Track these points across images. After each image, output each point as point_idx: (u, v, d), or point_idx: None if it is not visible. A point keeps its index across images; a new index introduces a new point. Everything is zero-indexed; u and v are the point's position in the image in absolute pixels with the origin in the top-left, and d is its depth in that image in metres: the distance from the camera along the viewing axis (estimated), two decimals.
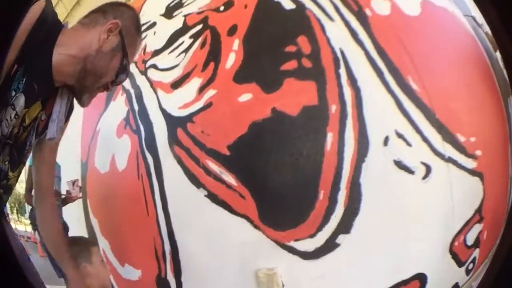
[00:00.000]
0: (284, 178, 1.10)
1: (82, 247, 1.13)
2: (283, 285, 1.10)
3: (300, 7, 1.25)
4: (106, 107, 1.66)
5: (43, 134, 0.91)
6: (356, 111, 1.10)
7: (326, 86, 1.11)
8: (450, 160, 1.09)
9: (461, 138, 1.11)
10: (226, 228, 1.16)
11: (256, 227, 1.11)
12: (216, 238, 1.18)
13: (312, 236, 1.06)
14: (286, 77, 1.16)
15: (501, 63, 1.26)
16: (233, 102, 1.21)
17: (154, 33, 1.61)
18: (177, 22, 1.54)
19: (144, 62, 1.57)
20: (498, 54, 1.27)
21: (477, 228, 1.16)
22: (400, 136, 1.08)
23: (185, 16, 1.52)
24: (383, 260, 1.10)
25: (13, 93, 0.78)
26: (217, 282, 1.21)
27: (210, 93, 1.28)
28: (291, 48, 1.20)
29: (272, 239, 1.10)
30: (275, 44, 1.22)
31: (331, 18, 1.18)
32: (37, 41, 0.77)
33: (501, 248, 0.69)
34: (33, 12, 0.75)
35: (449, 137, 1.10)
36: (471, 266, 1.20)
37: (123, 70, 0.94)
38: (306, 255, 1.09)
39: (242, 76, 1.22)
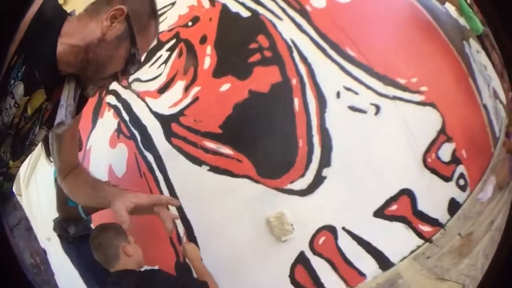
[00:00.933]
0: (269, 139, 1.51)
1: (118, 230, 1.34)
2: (291, 225, 1.43)
3: (255, 14, 1.89)
4: (93, 125, 1.95)
5: (51, 123, 0.94)
6: (312, 79, 1.71)
7: (285, 67, 1.65)
8: (395, 98, 1.69)
9: (401, 81, 1.71)
10: (232, 190, 1.54)
11: (257, 182, 1.55)
12: (226, 202, 1.56)
13: (302, 175, 1.56)
14: (254, 66, 1.66)
15: (452, 13, 1.88)
16: (216, 92, 1.65)
17: None
18: None
19: (127, 78, 1.87)
20: (447, 5, 1.90)
21: (448, 146, 1.68)
22: (348, 89, 1.68)
23: (157, 34, 1.88)
24: (366, 182, 1.61)
25: (12, 81, 0.82)
26: (235, 242, 1.51)
27: (195, 90, 1.70)
28: (254, 45, 1.70)
29: (272, 187, 1.51)
30: (240, 44, 1.75)
31: (280, 18, 1.75)
32: (37, 30, 0.80)
33: (501, 248, 0.72)
34: (35, 4, 0.79)
35: (389, 82, 1.69)
36: (462, 182, 1.68)
37: (132, 60, 0.92)
38: (302, 192, 1.61)
39: (219, 72, 1.70)
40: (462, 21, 2.15)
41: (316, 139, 1.59)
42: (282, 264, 1.62)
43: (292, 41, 1.74)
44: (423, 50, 1.81)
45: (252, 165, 1.60)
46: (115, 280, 1.31)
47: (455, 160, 1.67)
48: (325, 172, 1.58)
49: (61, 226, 1.71)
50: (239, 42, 1.80)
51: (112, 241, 1.36)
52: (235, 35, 1.84)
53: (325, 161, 1.58)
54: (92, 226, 1.75)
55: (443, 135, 1.67)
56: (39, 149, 1.20)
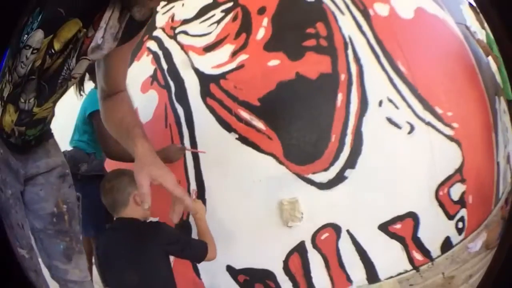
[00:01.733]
0: (304, 124, 1.55)
1: (132, 176, 1.33)
2: (302, 213, 1.50)
3: (319, 1, 1.77)
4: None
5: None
6: (359, 80, 1.74)
7: (337, 60, 1.69)
8: (429, 124, 1.74)
9: (439, 110, 1.77)
10: (254, 165, 1.60)
11: (281, 162, 1.58)
12: (244, 174, 1.62)
13: (326, 169, 1.58)
14: (307, 50, 1.70)
15: (492, 67, 1.99)
16: (264, 65, 1.68)
17: (183, 5, 1.97)
18: None
19: (173, 28, 1.95)
20: (490, 59, 2.01)
21: (460, 187, 1.76)
22: (390, 101, 1.73)
23: None
24: (381, 195, 1.66)
25: (25, 37, 0.79)
26: (242, 214, 1.56)
27: (242, 57, 1.73)
28: (311, 30, 1.73)
29: (294, 172, 1.58)
30: (298, 26, 1.79)
31: (342, 12, 1.79)
32: None
33: (501, 248, 0.75)
34: None
35: (428, 108, 1.75)
36: (460, 224, 1.77)
37: None
38: (321, 186, 1.65)
39: (271, 46, 1.73)
40: (498, 78, 2.24)
41: (348, 139, 1.63)
42: (280, 248, 1.67)
43: (350, 38, 1.76)
44: (463, 89, 1.87)
45: (280, 145, 1.63)
46: (118, 226, 1.33)
47: (462, 202, 1.74)
48: (347, 173, 1.62)
49: (73, 161, 1.68)
50: (297, 23, 1.81)
51: (125, 187, 1.34)
52: (294, 15, 1.84)
53: (351, 163, 1.62)
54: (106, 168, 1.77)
55: (459, 174, 1.74)
56: None
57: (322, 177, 1.62)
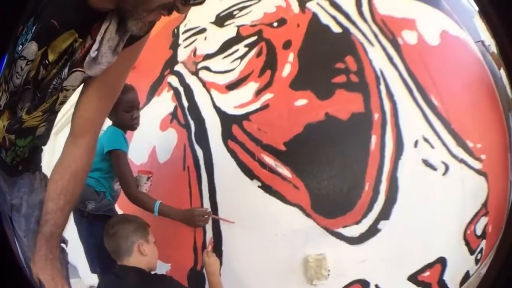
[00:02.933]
0: (335, 172, 1.45)
1: (138, 224, 1.37)
2: (328, 270, 1.38)
3: (346, 32, 1.79)
4: (147, 101, 1.95)
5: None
6: (394, 119, 1.60)
7: (370, 98, 1.57)
8: (462, 161, 1.60)
9: (470, 144, 1.63)
10: (278, 217, 1.49)
11: (308, 215, 1.47)
12: (266, 226, 1.51)
13: (357, 222, 1.45)
14: (337, 88, 1.59)
15: (504, 80, 1.81)
16: (290, 105, 1.59)
17: (205, 38, 1.96)
18: (229, 31, 1.93)
19: (195, 63, 1.91)
20: (502, 72, 1.82)
21: (484, 220, 1.63)
22: (426, 140, 1.58)
23: (238, 26, 1.89)
24: (413, 244, 1.52)
25: (20, 47, 0.79)
26: (262, 269, 1.47)
27: (267, 96, 1.65)
28: (340, 65, 1.63)
29: (322, 226, 1.46)
30: (326, 60, 1.68)
31: (371, 43, 1.68)
32: None
33: (501, 247, 0.77)
34: None
35: (461, 143, 1.61)
36: (479, 256, 1.64)
37: None
38: (351, 241, 1.50)
39: (298, 84, 1.64)
40: (509, 90, 2.07)
41: (383, 187, 1.49)
42: None
43: (381, 72, 1.65)
44: (487, 116, 1.74)
45: (308, 196, 1.51)
46: (120, 273, 1.26)
47: (484, 235, 1.62)
48: (381, 224, 1.48)
49: (80, 197, 1.70)
50: (325, 58, 1.71)
51: (129, 235, 1.31)
52: (322, 49, 1.75)
53: (385, 214, 1.48)
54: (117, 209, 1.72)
55: (484, 208, 1.61)
56: None
57: (353, 231, 1.48)
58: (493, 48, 1.88)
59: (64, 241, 1.05)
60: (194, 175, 1.74)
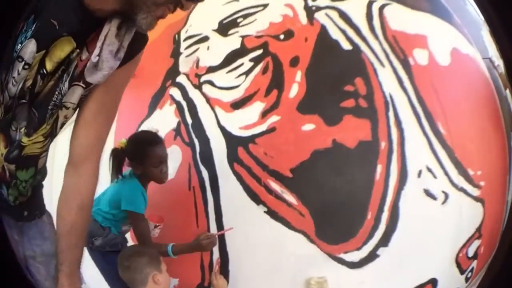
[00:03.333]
0: (340, 200, 1.50)
1: (151, 257, 1.42)
2: None
3: (356, 49, 1.73)
4: (149, 114, 1.91)
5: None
6: (400, 148, 1.62)
7: (378, 125, 1.59)
8: (461, 189, 1.64)
9: (471, 172, 1.66)
10: (283, 241, 1.54)
11: (312, 241, 1.55)
12: (272, 251, 1.55)
13: (358, 249, 1.56)
14: (345, 113, 1.59)
15: (509, 99, 1.84)
16: (297, 130, 1.59)
17: (208, 48, 1.89)
18: (234, 41, 1.86)
19: (198, 76, 1.86)
20: (507, 92, 1.85)
21: (476, 243, 1.71)
22: (429, 170, 1.61)
23: (242, 37, 1.82)
24: (409, 268, 1.61)
25: (19, 46, 0.75)
26: None
27: (273, 118, 1.65)
28: (349, 88, 1.62)
29: (325, 251, 1.53)
30: (335, 82, 1.67)
31: (382, 64, 1.66)
32: None
33: (501, 248, 0.86)
34: None
35: (462, 171, 1.64)
36: (470, 274, 1.74)
37: None
38: (352, 265, 1.59)
39: (305, 107, 1.63)
40: None
41: (385, 216, 1.55)
42: None
43: (391, 97, 1.63)
44: (491, 142, 1.75)
45: (313, 223, 1.56)
46: None
47: (475, 256, 1.70)
48: (380, 251, 1.56)
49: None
50: (334, 79, 1.68)
51: (144, 268, 1.37)
52: (331, 68, 1.70)
53: (385, 241, 1.56)
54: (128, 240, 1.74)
55: (478, 232, 1.68)
56: None
57: (354, 256, 1.56)
58: (502, 69, 1.86)
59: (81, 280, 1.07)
60: (200, 196, 1.75)
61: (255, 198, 1.65)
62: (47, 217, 1.07)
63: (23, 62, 0.75)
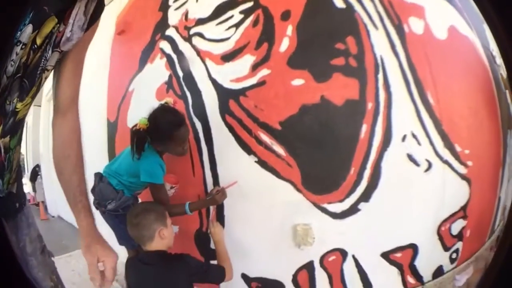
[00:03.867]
0: (325, 154, 1.59)
1: (158, 213, 1.49)
2: (314, 238, 1.59)
3: (350, 9, 1.71)
4: (140, 68, 1.91)
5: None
6: (386, 111, 1.66)
7: (366, 85, 1.64)
8: (446, 162, 1.72)
9: (458, 148, 1.73)
10: (273, 189, 1.65)
11: (298, 190, 1.64)
12: (262, 197, 1.66)
13: (341, 201, 1.67)
14: (335, 71, 1.63)
15: (508, 99, 1.86)
16: (287, 84, 1.63)
17: (197, 0, 1.83)
18: None
19: (187, 28, 1.84)
20: (507, 92, 1.88)
21: (460, 223, 1.81)
22: (414, 136, 1.67)
23: None
24: (388, 227, 1.73)
25: (18, 33, 0.85)
26: (259, 234, 1.66)
27: (264, 72, 1.67)
28: (340, 46, 1.64)
29: (310, 200, 1.64)
30: (326, 39, 1.67)
31: (375, 26, 1.66)
32: None
33: (501, 248, 0.77)
34: None
35: (448, 145, 1.71)
36: (454, 255, 1.84)
37: None
38: (334, 215, 1.70)
39: (296, 62, 1.65)
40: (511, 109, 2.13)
41: (367, 173, 1.63)
42: (291, 264, 1.79)
43: (382, 60, 1.65)
44: (483, 125, 1.79)
45: (299, 174, 1.65)
46: (148, 260, 1.43)
47: (459, 236, 1.79)
48: (361, 205, 1.66)
49: (100, 197, 1.70)
50: (325, 35, 1.68)
51: (151, 224, 1.44)
52: (323, 24, 1.69)
53: (366, 197, 1.65)
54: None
55: (463, 211, 1.76)
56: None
57: (336, 207, 1.67)
58: (503, 70, 1.85)
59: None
60: (195, 147, 1.81)
61: (247, 148, 1.72)
62: (27, 201, 1.14)
63: (21, 44, 0.85)
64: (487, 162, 1.82)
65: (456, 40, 1.77)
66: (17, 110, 0.95)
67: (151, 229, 1.44)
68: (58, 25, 0.93)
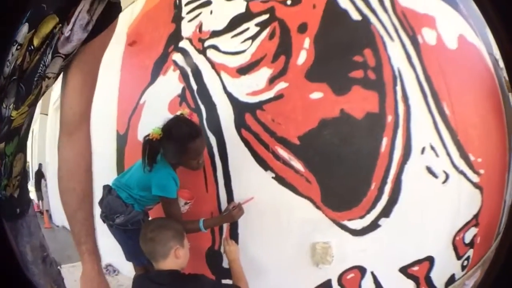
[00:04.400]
0: (346, 170, 1.54)
1: (176, 231, 1.41)
2: (332, 256, 1.52)
3: (366, 21, 1.71)
4: (153, 80, 1.86)
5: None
6: (406, 124, 1.63)
7: (385, 98, 1.60)
8: (462, 172, 1.69)
9: (472, 157, 1.70)
10: (291, 207, 1.58)
11: (317, 207, 1.58)
12: (280, 215, 1.59)
13: (361, 217, 1.60)
14: (354, 84, 1.59)
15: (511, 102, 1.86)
16: (305, 98, 1.59)
17: (211, 12, 1.82)
18: (238, 6, 1.82)
19: (201, 41, 1.81)
20: (510, 95, 1.87)
21: (473, 231, 1.77)
22: (432, 148, 1.65)
23: (247, 1, 1.75)
24: (408, 241, 1.68)
25: (16, 34, 0.78)
26: (275, 252, 1.59)
27: (281, 85, 1.63)
28: (358, 58, 1.60)
29: (329, 217, 1.59)
30: (344, 51, 1.65)
31: (391, 38, 1.64)
32: None
33: (501, 248, 0.77)
34: None
35: (463, 155, 1.68)
36: (465, 263, 1.80)
37: None
38: (354, 232, 1.64)
39: (314, 74, 1.62)
40: None
41: (388, 188, 1.58)
42: (307, 283, 1.70)
43: (399, 72, 1.63)
44: (492, 132, 1.78)
45: (319, 190, 1.59)
46: (160, 280, 1.32)
47: (471, 244, 1.76)
48: (381, 221, 1.61)
49: (108, 211, 1.61)
50: (343, 48, 1.65)
51: (168, 241, 1.35)
52: (340, 37, 1.67)
53: (386, 212, 1.60)
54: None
55: (475, 220, 1.74)
56: None
57: (357, 224, 1.61)
58: (505, 74, 1.84)
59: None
60: (209, 162, 1.74)
61: (263, 164, 1.65)
62: (32, 210, 1.05)
63: (16, 44, 0.78)
64: (496, 168, 1.81)
65: (465, 49, 1.76)
66: (12, 118, 0.86)
67: (166, 246, 1.35)
68: (60, 25, 0.83)
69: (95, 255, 0.93)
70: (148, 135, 1.53)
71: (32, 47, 0.80)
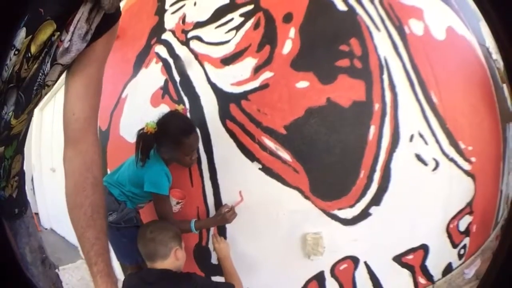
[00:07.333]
0: (334, 158, 1.46)
1: (175, 233, 1.35)
2: (324, 247, 1.44)
3: (352, 11, 1.62)
4: (135, 73, 1.75)
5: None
6: (393, 111, 1.58)
7: (372, 86, 1.53)
8: (452, 160, 1.65)
9: (462, 145, 1.67)
10: (279, 198, 1.47)
11: (306, 197, 1.49)
12: (268, 207, 1.49)
13: (351, 206, 1.51)
14: (340, 72, 1.52)
15: (506, 93, 1.83)
16: (291, 87, 1.51)
17: (195, 4, 1.73)
18: None
19: (185, 32, 1.70)
20: (505, 86, 1.85)
21: (467, 219, 1.73)
22: (421, 136, 1.59)
23: None
24: (400, 230, 1.62)
25: (14, 38, 0.75)
26: (265, 246, 1.49)
27: (266, 74, 1.55)
28: (344, 48, 1.54)
29: (319, 208, 1.49)
30: (330, 40, 1.58)
31: (377, 28, 1.58)
32: None
33: (501, 248, 0.76)
34: None
35: (453, 143, 1.64)
36: (462, 251, 1.76)
37: None
38: (345, 222, 1.58)
39: (299, 63, 1.54)
40: (509, 102, 2.06)
41: (377, 176, 1.53)
42: (300, 275, 1.64)
43: (385, 61, 1.58)
44: (483, 121, 1.75)
45: (307, 180, 1.52)
46: (151, 279, 1.23)
47: (467, 232, 1.73)
48: (372, 210, 1.55)
49: None
50: (329, 37, 1.59)
51: (169, 242, 1.30)
52: (326, 27, 1.61)
53: (377, 200, 1.55)
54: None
55: (469, 207, 1.70)
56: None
57: (347, 213, 1.54)
58: (500, 64, 1.82)
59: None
60: None
61: (250, 155, 1.57)
62: (29, 211, 1.01)
63: (14, 49, 0.73)
64: (489, 157, 1.77)
65: (454, 40, 1.72)
66: (12, 126, 0.82)
67: (168, 246, 1.28)
68: (58, 32, 0.78)
69: (109, 277, 0.81)
70: (143, 128, 1.47)
71: (29, 55, 0.76)
